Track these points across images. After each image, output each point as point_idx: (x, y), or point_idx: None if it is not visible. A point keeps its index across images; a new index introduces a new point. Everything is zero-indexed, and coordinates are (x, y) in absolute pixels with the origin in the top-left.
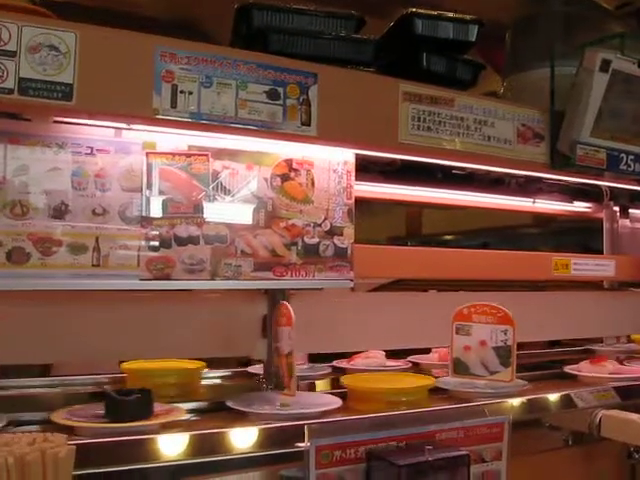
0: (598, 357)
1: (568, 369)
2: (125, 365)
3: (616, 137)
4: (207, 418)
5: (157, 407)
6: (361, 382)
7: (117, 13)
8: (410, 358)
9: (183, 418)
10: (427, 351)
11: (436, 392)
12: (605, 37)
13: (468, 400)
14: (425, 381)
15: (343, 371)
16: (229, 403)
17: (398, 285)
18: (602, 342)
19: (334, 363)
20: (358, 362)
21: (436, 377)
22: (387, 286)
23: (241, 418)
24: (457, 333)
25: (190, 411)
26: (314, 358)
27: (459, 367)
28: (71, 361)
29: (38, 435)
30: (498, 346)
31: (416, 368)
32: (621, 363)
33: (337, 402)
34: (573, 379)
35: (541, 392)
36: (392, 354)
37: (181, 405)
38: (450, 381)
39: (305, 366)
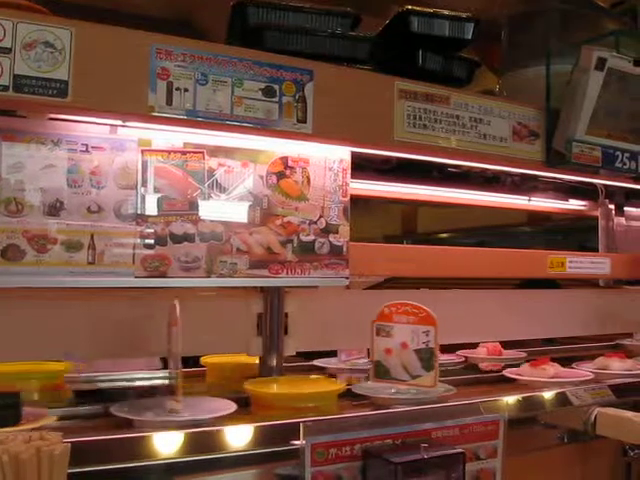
0: (540, 360)
1: (507, 372)
2: None
3: (612, 135)
4: (82, 425)
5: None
6: (263, 386)
7: (112, 11)
8: (459, 352)
9: (52, 425)
10: (475, 345)
11: (353, 397)
12: (601, 35)
13: (384, 406)
14: (334, 386)
15: None
16: (113, 409)
17: (392, 283)
18: (632, 337)
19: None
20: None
21: (485, 371)
22: (382, 284)
23: (123, 425)
24: (377, 334)
25: (65, 417)
26: None
27: (380, 371)
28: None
29: (33, 433)
30: (420, 348)
31: (466, 362)
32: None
33: (232, 407)
34: (511, 383)
35: (466, 398)
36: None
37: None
38: (369, 386)
39: (363, 361)
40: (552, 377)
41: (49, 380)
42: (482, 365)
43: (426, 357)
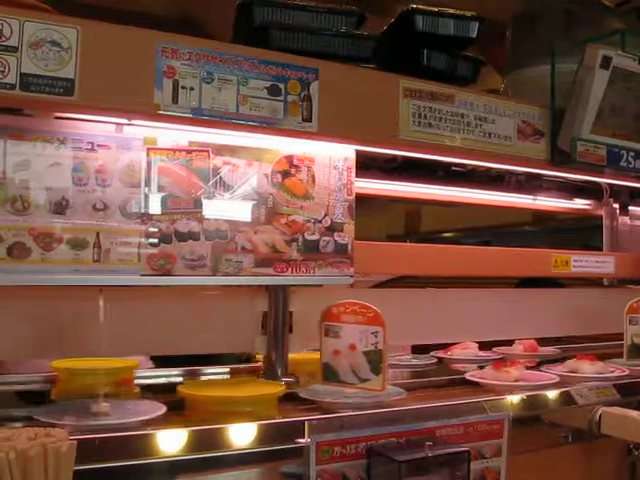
0: (502, 362)
1: (469, 376)
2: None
3: (617, 134)
4: None
5: None
6: (196, 389)
7: (118, 10)
8: (495, 349)
9: None
10: (510, 343)
11: (300, 402)
12: (606, 34)
13: (329, 411)
14: (272, 389)
15: (440, 361)
16: (34, 413)
17: (397, 283)
18: None
19: (432, 353)
20: (455, 352)
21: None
22: (386, 283)
23: None
24: (326, 335)
25: None
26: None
27: (328, 374)
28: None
29: (39, 430)
30: (368, 350)
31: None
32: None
33: (160, 410)
34: (473, 387)
35: (415, 403)
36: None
37: None
38: (316, 389)
39: (409, 356)
40: (516, 380)
41: (118, 376)
42: (519, 362)
43: (375, 359)
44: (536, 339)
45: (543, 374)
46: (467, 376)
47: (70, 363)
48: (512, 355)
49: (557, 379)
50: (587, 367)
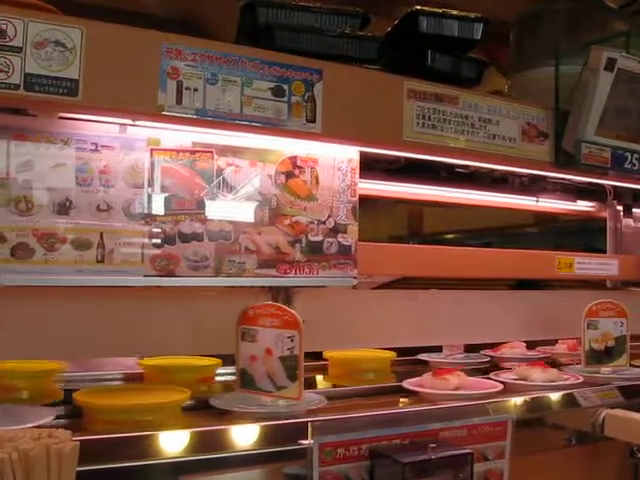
0: (442, 370)
1: (407, 383)
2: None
3: (621, 136)
4: None
5: None
6: (93, 396)
7: (122, 12)
8: (539, 349)
9: None
10: (553, 342)
11: (208, 410)
12: (610, 36)
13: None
14: (176, 396)
15: (491, 359)
16: None
17: (401, 284)
18: None
19: (481, 352)
20: (504, 351)
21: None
22: (389, 285)
23: None
24: (242, 339)
25: None
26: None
27: (246, 380)
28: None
29: (43, 430)
30: (284, 355)
31: (549, 359)
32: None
33: (48, 417)
34: (410, 396)
35: (336, 413)
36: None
37: None
38: (231, 397)
39: (461, 355)
40: (455, 389)
41: (201, 374)
42: (563, 360)
43: (291, 366)
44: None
45: (486, 382)
46: (405, 384)
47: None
48: (556, 354)
49: (500, 387)
50: (538, 375)
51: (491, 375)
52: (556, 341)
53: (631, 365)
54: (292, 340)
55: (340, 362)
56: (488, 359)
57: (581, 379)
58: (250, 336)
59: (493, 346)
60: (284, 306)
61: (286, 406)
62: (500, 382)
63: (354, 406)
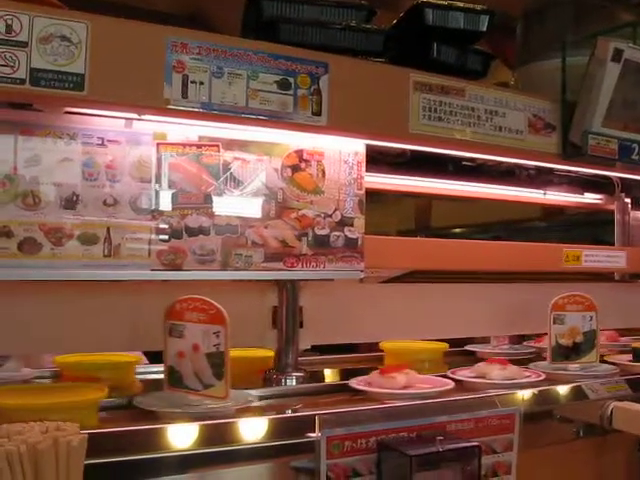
0: (389, 367)
1: (354, 382)
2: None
3: (628, 127)
4: None
5: None
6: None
7: (127, 7)
8: None
9: None
10: None
11: (129, 410)
12: (617, 26)
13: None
14: (90, 395)
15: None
16: None
17: (409, 278)
18: None
19: (524, 343)
20: (545, 342)
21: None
22: (399, 278)
23: None
24: (170, 335)
25: None
26: None
27: (173, 378)
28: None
29: (51, 423)
30: (211, 352)
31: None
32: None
33: None
34: (356, 395)
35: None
36: None
37: None
38: (157, 396)
39: (507, 346)
40: (404, 387)
41: (261, 365)
42: (601, 351)
43: (217, 363)
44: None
45: (437, 380)
46: (352, 383)
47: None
48: None
49: (451, 386)
50: (496, 372)
51: (448, 372)
52: None
53: (602, 361)
54: (218, 336)
55: (396, 353)
56: (533, 350)
57: (543, 376)
58: (178, 332)
59: (535, 337)
60: (210, 300)
61: (212, 405)
62: (457, 380)
63: (289, 406)
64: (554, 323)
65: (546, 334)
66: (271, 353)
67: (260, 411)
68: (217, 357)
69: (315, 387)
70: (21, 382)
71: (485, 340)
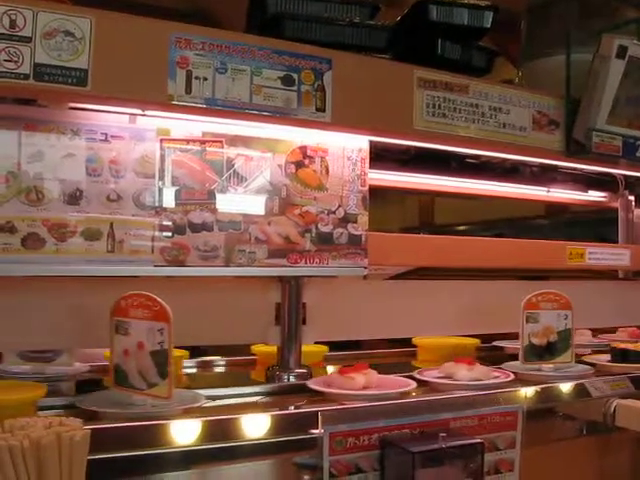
0: (348, 368)
1: (312, 384)
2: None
3: (633, 124)
4: None
5: None
6: None
7: (130, 2)
8: (600, 336)
9: None
10: (614, 330)
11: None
12: (621, 23)
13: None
14: (27, 393)
15: None
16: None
17: (413, 275)
18: None
19: None
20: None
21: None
22: (402, 275)
23: None
24: (117, 332)
25: None
26: None
27: (119, 377)
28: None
29: (54, 419)
30: (155, 350)
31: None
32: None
33: None
34: (314, 396)
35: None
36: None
37: None
38: (102, 395)
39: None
40: (363, 388)
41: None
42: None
43: (161, 361)
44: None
45: (399, 380)
46: (310, 384)
47: None
48: (616, 341)
49: (413, 386)
50: (463, 372)
51: (415, 373)
52: (616, 329)
53: (580, 361)
54: (162, 333)
55: (429, 348)
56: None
57: (512, 377)
58: (123, 329)
59: None
60: (154, 296)
61: (155, 406)
62: (422, 381)
63: (238, 407)
64: (527, 322)
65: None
66: (324, 348)
67: (204, 412)
68: (161, 355)
69: (273, 387)
70: (70, 377)
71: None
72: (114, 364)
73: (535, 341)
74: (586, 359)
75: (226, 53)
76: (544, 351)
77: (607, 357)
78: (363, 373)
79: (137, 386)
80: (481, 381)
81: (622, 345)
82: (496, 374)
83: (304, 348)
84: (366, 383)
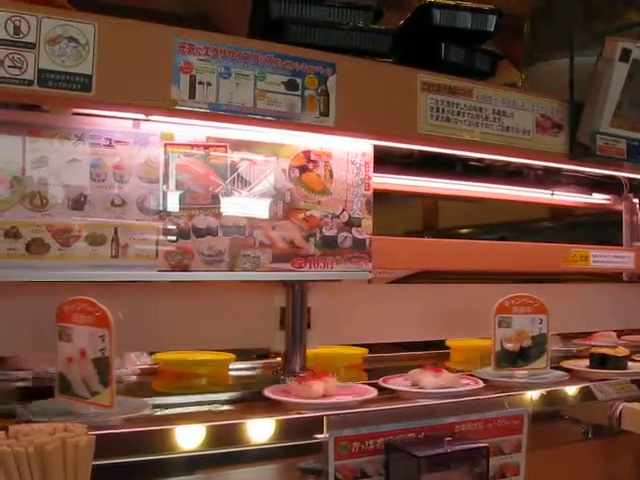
0: (307, 376)
1: (269, 392)
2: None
3: (637, 127)
4: None
5: None
6: None
7: (134, 8)
8: (623, 338)
9: None
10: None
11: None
12: (625, 26)
13: None
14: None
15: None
16: None
17: (417, 278)
18: None
19: (573, 341)
20: (597, 340)
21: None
22: (406, 279)
23: None
24: (60, 339)
25: None
26: None
27: (63, 385)
28: None
29: (58, 425)
30: (97, 357)
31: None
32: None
33: None
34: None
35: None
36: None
37: None
38: (45, 405)
39: (560, 344)
40: (323, 396)
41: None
42: None
43: (102, 369)
44: None
45: (360, 388)
46: (266, 392)
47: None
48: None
49: (373, 394)
50: (429, 380)
51: (379, 380)
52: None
53: (556, 367)
54: (103, 340)
55: (461, 350)
56: (585, 347)
57: (481, 384)
58: (66, 335)
59: (585, 335)
60: (95, 301)
61: (97, 415)
62: (385, 388)
63: (183, 416)
64: (499, 326)
65: (596, 332)
66: (362, 350)
67: (148, 422)
68: (103, 363)
69: (232, 396)
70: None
71: None
72: (58, 372)
73: (508, 346)
74: (563, 364)
75: (230, 58)
76: (517, 357)
77: (586, 363)
78: (322, 381)
79: (80, 394)
80: (448, 389)
81: (601, 350)
82: (465, 381)
83: (342, 350)
84: (325, 391)
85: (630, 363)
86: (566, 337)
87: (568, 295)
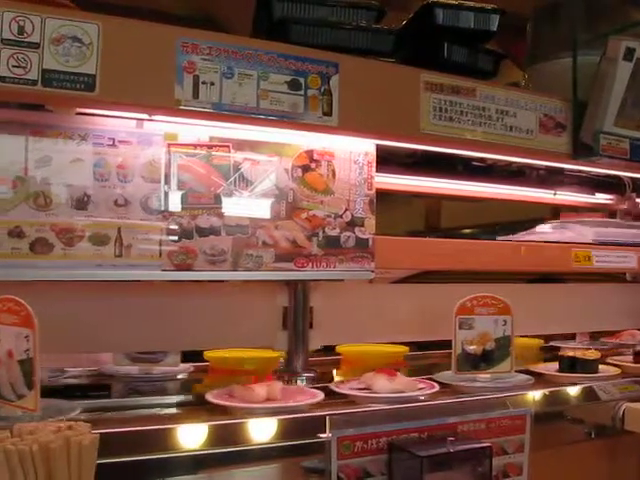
0: (255, 378)
1: (213, 397)
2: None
3: None
4: None
5: None
6: None
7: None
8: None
9: None
10: None
11: None
12: (628, 25)
13: None
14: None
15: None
16: None
17: (420, 278)
18: None
19: (600, 340)
20: (624, 338)
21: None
22: (409, 278)
23: None
24: None
25: None
26: None
27: None
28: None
29: (62, 423)
30: (22, 359)
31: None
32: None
33: None
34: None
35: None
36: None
37: None
38: None
39: (587, 341)
40: (266, 400)
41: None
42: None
43: (27, 371)
44: None
45: (306, 392)
46: (209, 397)
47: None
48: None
49: (319, 398)
50: (382, 384)
51: (331, 384)
52: None
53: (522, 371)
54: (28, 340)
55: None
56: (613, 346)
57: (436, 388)
58: None
59: (613, 334)
60: (20, 300)
61: (22, 419)
62: (335, 392)
63: (117, 420)
64: (460, 328)
65: (624, 331)
66: (403, 348)
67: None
68: (27, 364)
69: (178, 400)
70: (174, 377)
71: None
72: None
73: (470, 349)
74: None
75: (233, 58)
76: (480, 360)
77: (556, 366)
78: (265, 385)
79: (8, 397)
80: (402, 393)
81: (570, 353)
82: (421, 385)
83: (384, 348)
84: (269, 395)
85: (602, 366)
86: (593, 336)
87: (571, 294)
